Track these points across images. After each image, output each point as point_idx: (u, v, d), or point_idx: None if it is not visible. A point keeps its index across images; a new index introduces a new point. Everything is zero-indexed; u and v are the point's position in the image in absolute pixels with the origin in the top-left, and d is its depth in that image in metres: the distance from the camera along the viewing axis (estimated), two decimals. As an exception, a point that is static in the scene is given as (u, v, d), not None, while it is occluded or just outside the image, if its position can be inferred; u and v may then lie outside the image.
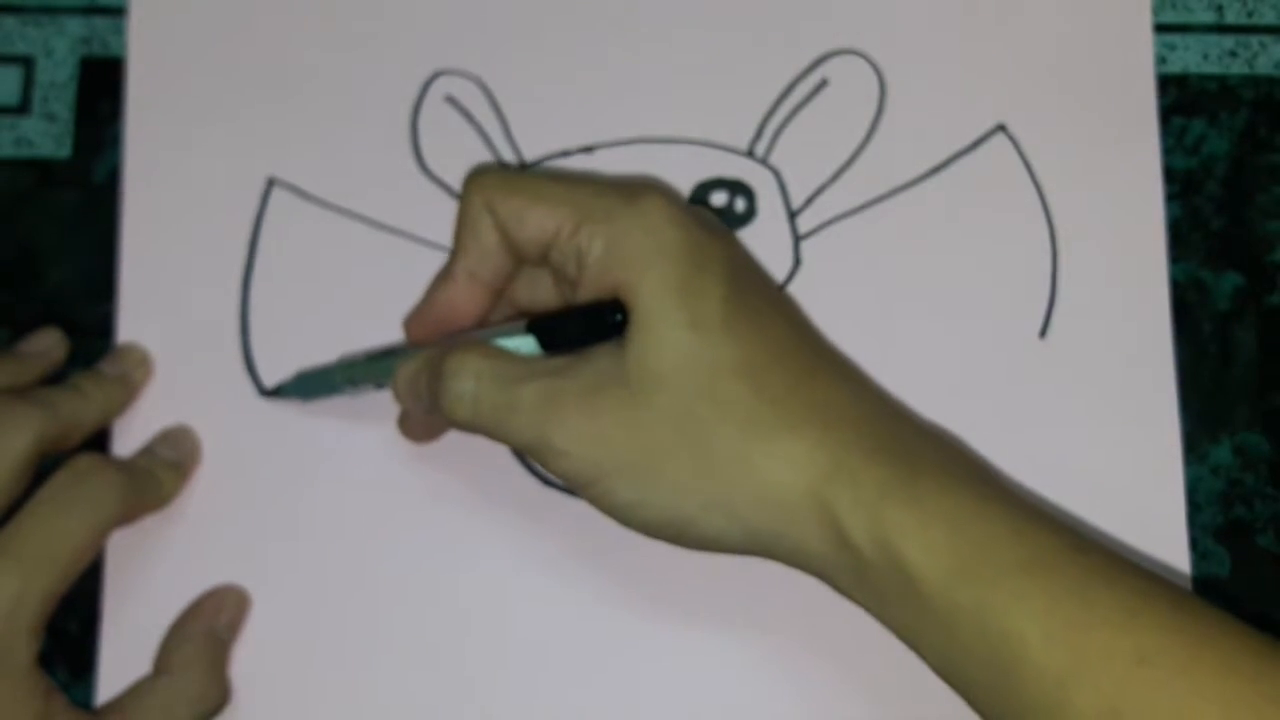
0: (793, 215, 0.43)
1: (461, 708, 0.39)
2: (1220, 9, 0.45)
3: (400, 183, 0.43)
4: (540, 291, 0.39)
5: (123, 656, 0.39)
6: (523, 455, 0.41)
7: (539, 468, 0.41)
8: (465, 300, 0.38)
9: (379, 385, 0.39)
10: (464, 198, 0.37)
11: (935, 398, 0.41)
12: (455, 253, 0.38)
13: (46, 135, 0.44)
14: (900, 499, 0.33)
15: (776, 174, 0.43)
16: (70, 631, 0.40)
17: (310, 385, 0.41)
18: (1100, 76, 0.44)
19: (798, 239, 0.43)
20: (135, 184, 0.43)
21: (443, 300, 0.38)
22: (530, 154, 0.43)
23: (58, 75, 0.44)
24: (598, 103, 0.44)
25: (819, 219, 0.43)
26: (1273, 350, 0.43)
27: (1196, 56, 0.45)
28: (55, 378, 0.40)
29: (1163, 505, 0.41)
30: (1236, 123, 0.44)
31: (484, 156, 0.43)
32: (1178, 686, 0.30)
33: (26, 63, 0.44)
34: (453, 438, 0.40)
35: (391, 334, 0.41)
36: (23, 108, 0.44)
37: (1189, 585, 0.41)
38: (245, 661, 0.39)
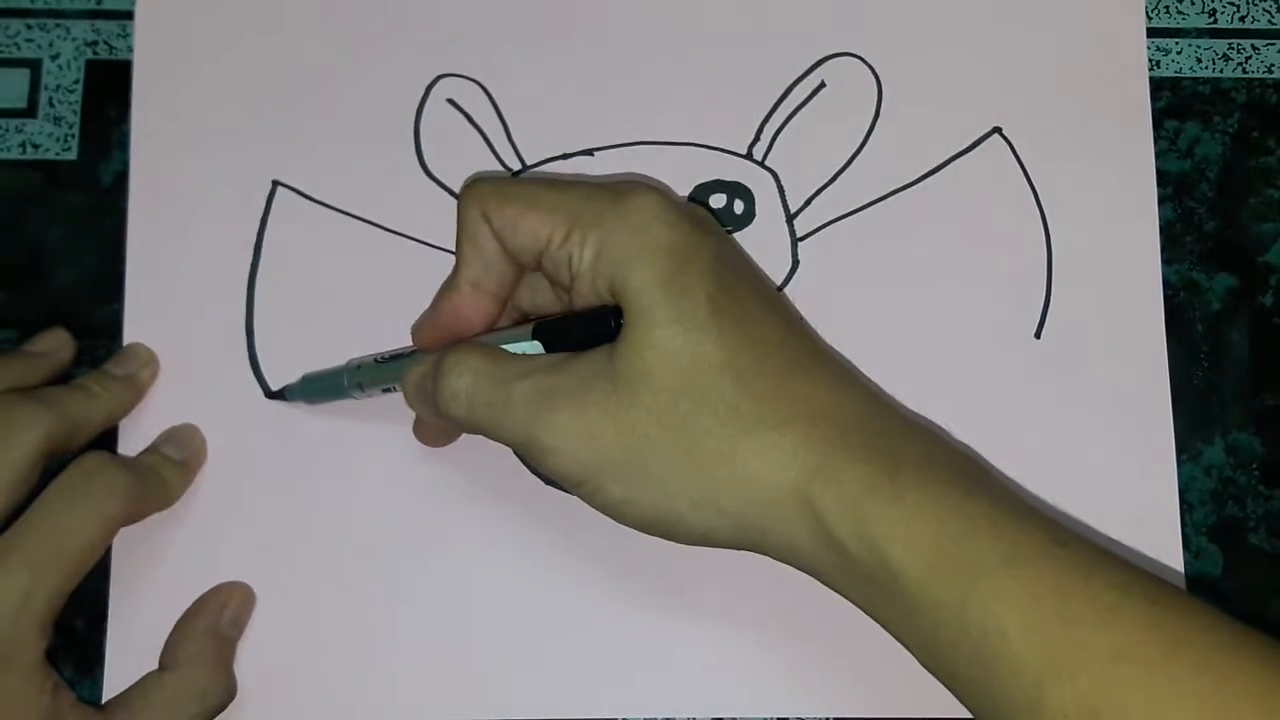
0: (791, 217, 0.44)
1: (464, 704, 0.40)
2: (1213, 13, 0.46)
3: (403, 185, 0.43)
4: (541, 295, 0.39)
5: (129, 653, 0.39)
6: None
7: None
8: (471, 309, 0.38)
9: (386, 390, 0.39)
10: (461, 208, 0.37)
11: (932, 398, 0.41)
12: (457, 264, 0.38)
13: (53, 138, 0.44)
14: (883, 496, 0.33)
15: (775, 176, 0.44)
16: (77, 628, 0.40)
17: (316, 388, 0.41)
18: (1095, 80, 0.44)
19: (796, 240, 0.43)
20: (141, 186, 0.43)
21: (448, 310, 0.38)
22: (531, 156, 0.44)
23: (64, 78, 0.45)
24: (598, 105, 0.44)
25: (817, 220, 0.43)
26: (1265, 350, 0.43)
27: (1190, 60, 0.45)
28: (62, 378, 0.40)
29: (1156, 504, 0.41)
30: (1229, 126, 0.45)
31: (486, 159, 0.44)
32: (1154, 684, 0.30)
33: (33, 66, 0.45)
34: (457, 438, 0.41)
35: (394, 335, 0.41)
36: (29, 110, 0.44)
37: (1182, 584, 0.41)
38: (251, 657, 0.40)
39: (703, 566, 0.40)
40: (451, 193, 0.43)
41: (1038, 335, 0.43)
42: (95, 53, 0.45)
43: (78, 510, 0.36)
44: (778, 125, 0.44)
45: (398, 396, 0.39)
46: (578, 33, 0.44)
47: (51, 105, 0.44)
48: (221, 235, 0.43)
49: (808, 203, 0.44)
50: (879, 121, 0.44)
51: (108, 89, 0.44)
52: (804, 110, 0.44)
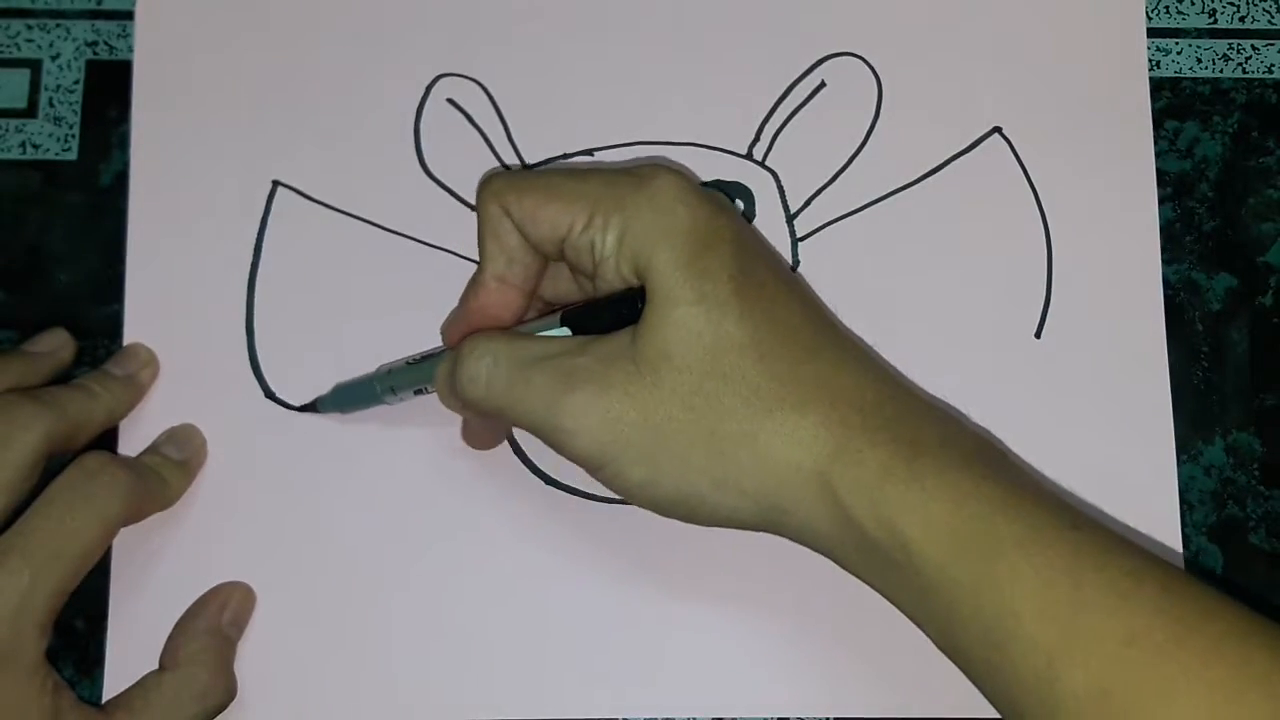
0: (791, 217, 0.44)
1: (463, 704, 0.40)
2: (1213, 13, 0.46)
3: (403, 185, 0.43)
4: (563, 285, 0.39)
5: (129, 652, 0.39)
6: (525, 455, 0.41)
7: (542, 468, 0.41)
8: (498, 305, 0.38)
9: (418, 391, 0.39)
10: (480, 205, 0.37)
11: (932, 397, 0.41)
12: (482, 260, 0.38)
13: (53, 138, 0.44)
14: (901, 478, 0.33)
15: (775, 176, 0.44)
16: (77, 628, 0.40)
17: (348, 397, 0.41)
18: (1095, 80, 0.44)
19: (796, 240, 0.43)
20: (141, 186, 0.43)
21: (476, 307, 0.38)
22: (531, 156, 0.44)
23: (64, 78, 0.45)
24: (598, 105, 0.44)
25: (817, 220, 0.44)
26: (1265, 350, 0.43)
27: (1190, 60, 0.45)
28: (63, 378, 0.40)
29: (1156, 503, 0.41)
30: (1229, 126, 0.45)
31: (486, 159, 0.44)
32: (1165, 669, 0.30)
33: (33, 66, 0.45)
34: (455, 438, 0.41)
35: (394, 334, 0.41)
36: (30, 110, 0.44)
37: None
38: (251, 657, 0.40)
39: (703, 567, 0.40)
40: (452, 193, 0.43)
41: (1038, 335, 0.43)
42: (95, 53, 0.45)
43: (78, 510, 0.36)
44: (778, 125, 0.44)
45: (420, 401, 0.39)
46: (578, 33, 0.45)
47: (51, 105, 0.44)
48: (221, 235, 0.43)
49: (808, 203, 0.44)
50: (879, 121, 0.44)
51: (108, 89, 0.44)
52: (804, 110, 0.44)
